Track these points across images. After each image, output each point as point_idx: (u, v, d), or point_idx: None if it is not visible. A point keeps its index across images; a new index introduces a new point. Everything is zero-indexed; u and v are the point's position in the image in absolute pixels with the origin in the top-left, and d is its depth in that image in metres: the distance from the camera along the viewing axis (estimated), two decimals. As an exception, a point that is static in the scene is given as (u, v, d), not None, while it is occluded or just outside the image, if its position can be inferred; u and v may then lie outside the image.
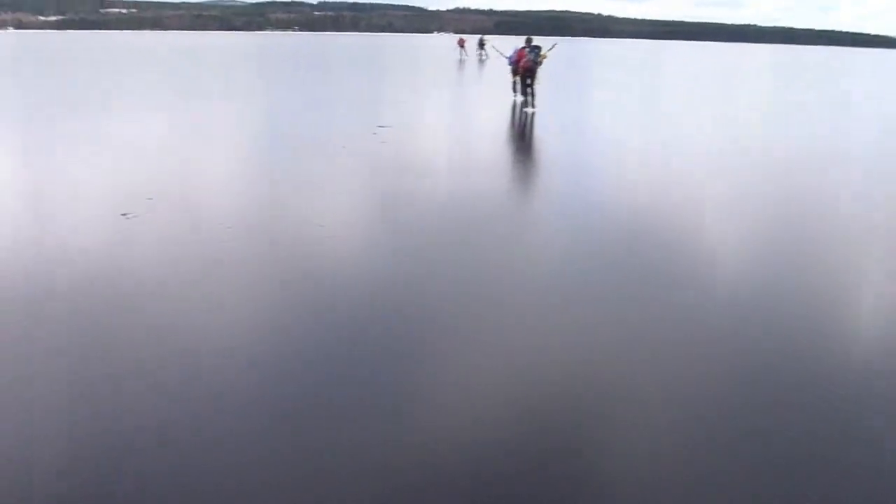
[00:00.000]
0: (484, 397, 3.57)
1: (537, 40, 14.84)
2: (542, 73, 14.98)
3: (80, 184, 8.12)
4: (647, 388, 3.67)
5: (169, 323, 4.34)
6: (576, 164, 10.13)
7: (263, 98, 19.18)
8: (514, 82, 15.88)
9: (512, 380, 3.74)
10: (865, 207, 7.87)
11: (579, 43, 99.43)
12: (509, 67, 15.71)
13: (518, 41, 15.45)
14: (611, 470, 3.03)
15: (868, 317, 4.81)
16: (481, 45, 39.38)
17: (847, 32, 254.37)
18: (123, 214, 6.59)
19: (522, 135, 13.12)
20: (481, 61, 36.96)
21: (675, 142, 12.49)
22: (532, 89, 14.71)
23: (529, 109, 14.60)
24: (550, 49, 15.04)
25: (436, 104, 18.02)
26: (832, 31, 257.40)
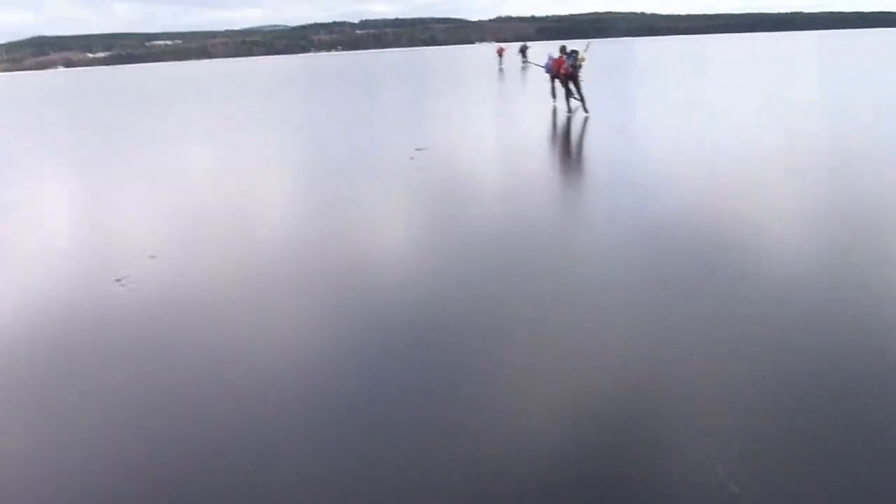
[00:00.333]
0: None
1: (572, 45, 14.71)
2: (585, 74, 14.51)
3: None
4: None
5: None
6: (638, 181, 8.28)
7: (296, 124, 18.01)
8: (553, 88, 15.70)
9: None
10: None
11: (624, 43, 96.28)
12: (547, 75, 15.47)
13: (557, 47, 15.09)
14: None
15: None
16: (523, 52, 38.60)
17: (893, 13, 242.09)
18: (152, 256, 5.15)
19: (568, 147, 11.63)
20: (523, 68, 35.41)
21: (766, 142, 10.43)
22: (580, 94, 14.45)
23: (582, 113, 14.23)
24: (586, 50, 14.63)
25: (474, 119, 16.32)
26: (881, 13, 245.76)
